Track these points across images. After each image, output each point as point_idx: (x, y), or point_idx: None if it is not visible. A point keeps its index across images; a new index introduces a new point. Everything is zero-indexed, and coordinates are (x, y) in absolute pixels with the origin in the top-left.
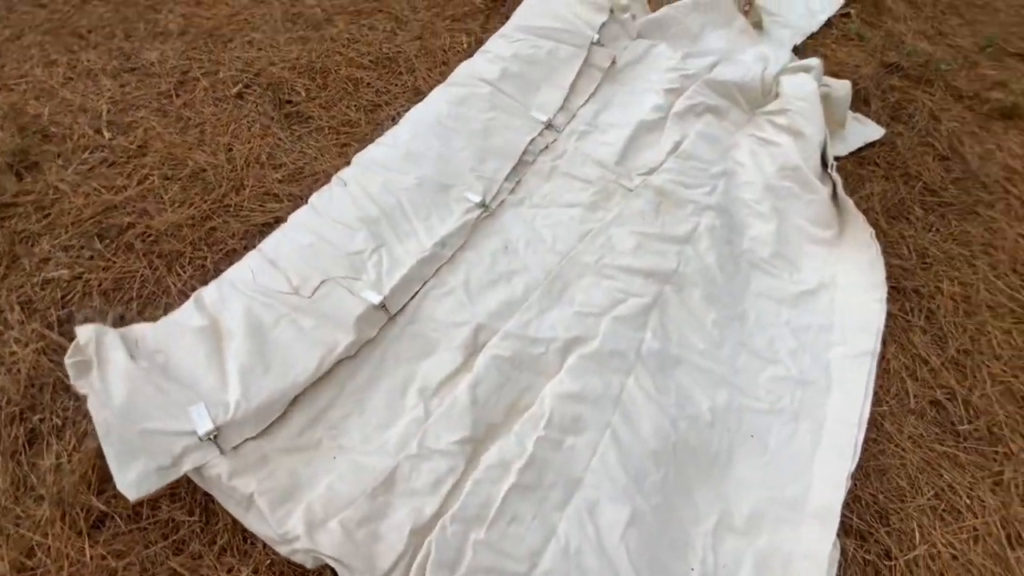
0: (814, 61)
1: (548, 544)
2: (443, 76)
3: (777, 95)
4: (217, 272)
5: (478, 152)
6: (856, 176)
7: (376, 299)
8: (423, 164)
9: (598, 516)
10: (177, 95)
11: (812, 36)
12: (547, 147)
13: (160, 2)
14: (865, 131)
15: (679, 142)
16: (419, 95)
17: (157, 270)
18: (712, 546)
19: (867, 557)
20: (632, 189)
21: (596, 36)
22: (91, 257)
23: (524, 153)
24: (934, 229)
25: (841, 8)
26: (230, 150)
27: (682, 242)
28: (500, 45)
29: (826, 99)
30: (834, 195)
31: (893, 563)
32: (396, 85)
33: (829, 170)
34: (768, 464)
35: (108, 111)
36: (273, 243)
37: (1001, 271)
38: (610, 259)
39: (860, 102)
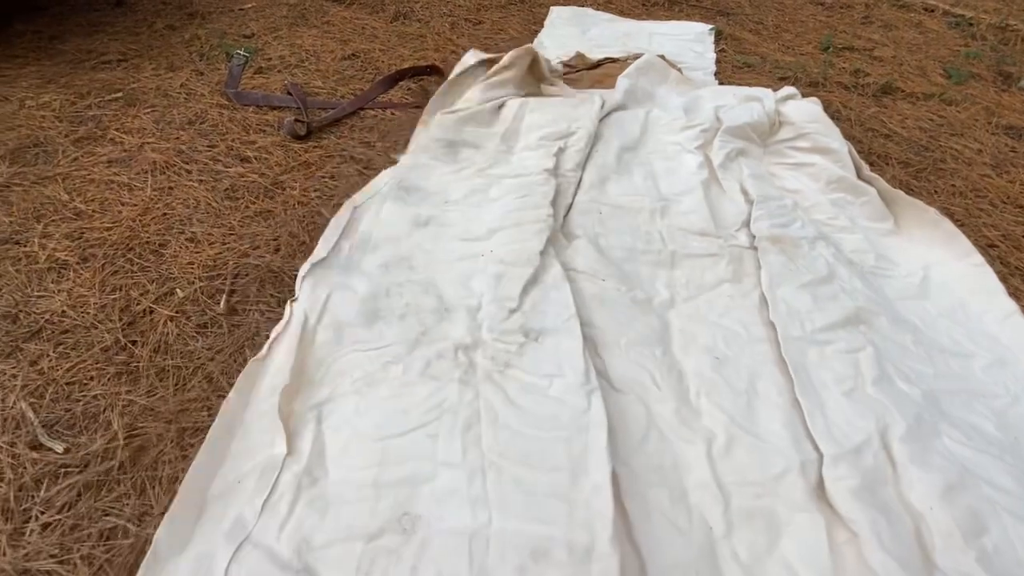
0: (791, 89)
1: None
2: None
3: (781, 125)
4: None
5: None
6: None
7: None
8: None
9: None
10: (134, 343)
11: (715, 73)
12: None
13: (21, 230)
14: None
15: (743, 189)
16: None
17: None
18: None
19: None
20: (749, 247)
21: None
22: None
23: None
24: (936, 192)
25: (716, 47)
26: None
27: (831, 280)
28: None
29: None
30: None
31: None
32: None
33: (862, 173)
34: None
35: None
36: None
37: (1001, 207)
38: (810, 324)
39: None
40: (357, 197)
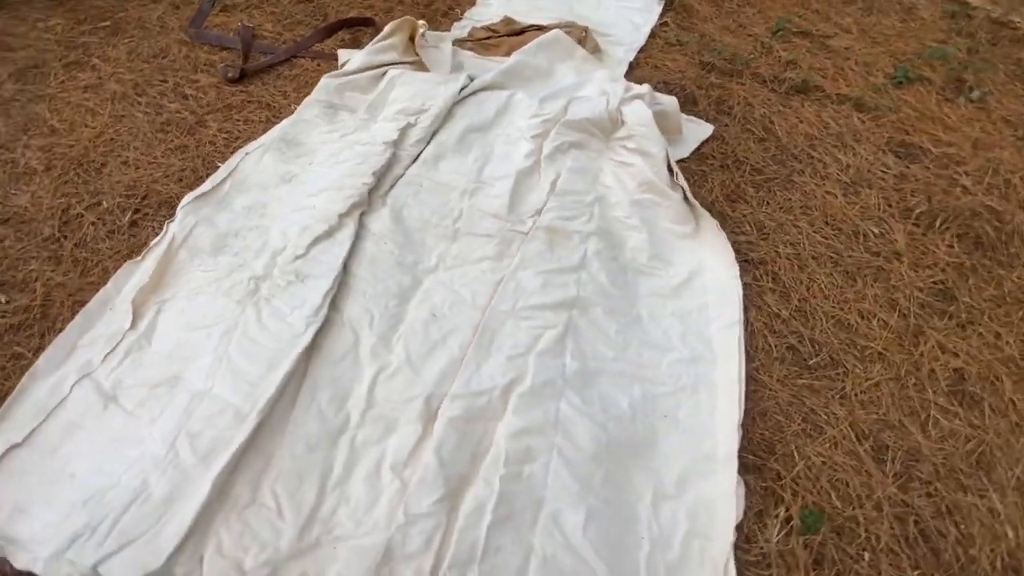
0: (643, 88)
1: (529, 560)
2: None
3: (623, 123)
4: None
5: None
6: (699, 172)
7: None
8: None
9: (563, 524)
10: (64, 237)
11: (642, 49)
12: (445, 213)
13: (11, 140)
14: (698, 131)
15: (555, 181)
16: None
17: None
18: (654, 515)
19: (764, 484)
20: (527, 233)
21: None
22: None
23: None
24: (765, 203)
25: (660, 19)
26: None
27: (577, 270)
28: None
29: (661, 115)
30: (685, 197)
31: (783, 482)
32: None
33: (675, 178)
34: (683, 434)
35: None
36: None
37: (817, 226)
38: (523, 301)
39: (690, 103)
40: (251, 144)
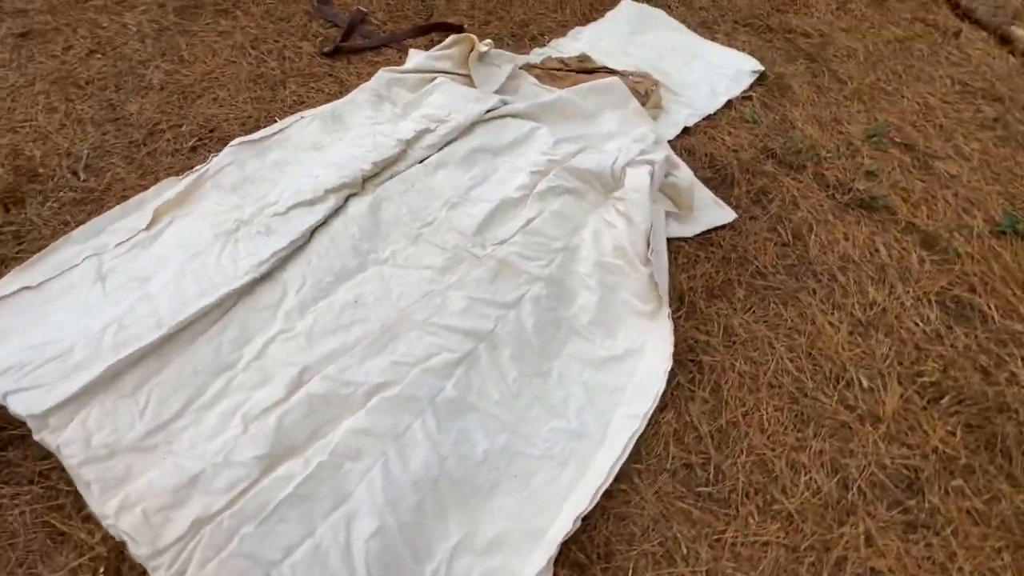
0: (659, 155)
1: (304, 541)
2: None
3: (623, 183)
4: None
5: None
6: (692, 256)
7: None
8: None
9: (352, 526)
10: (144, 145)
11: (709, 117)
12: (419, 216)
13: (150, 58)
14: (715, 215)
15: (532, 219)
16: None
17: None
18: (448, 560)
19: None
20: (480, 258)
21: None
22: None
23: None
24: (749, 311)
25: (745, 91)
26: None
27: (508, 307)
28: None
29: (674, 188)
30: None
31: None
32: None
33: (649, 254)
34: (525, 500)
35: (88, 155)
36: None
37: (796, 354)
38: (438, 318)
39: (727, 185)
40: (310, 111)
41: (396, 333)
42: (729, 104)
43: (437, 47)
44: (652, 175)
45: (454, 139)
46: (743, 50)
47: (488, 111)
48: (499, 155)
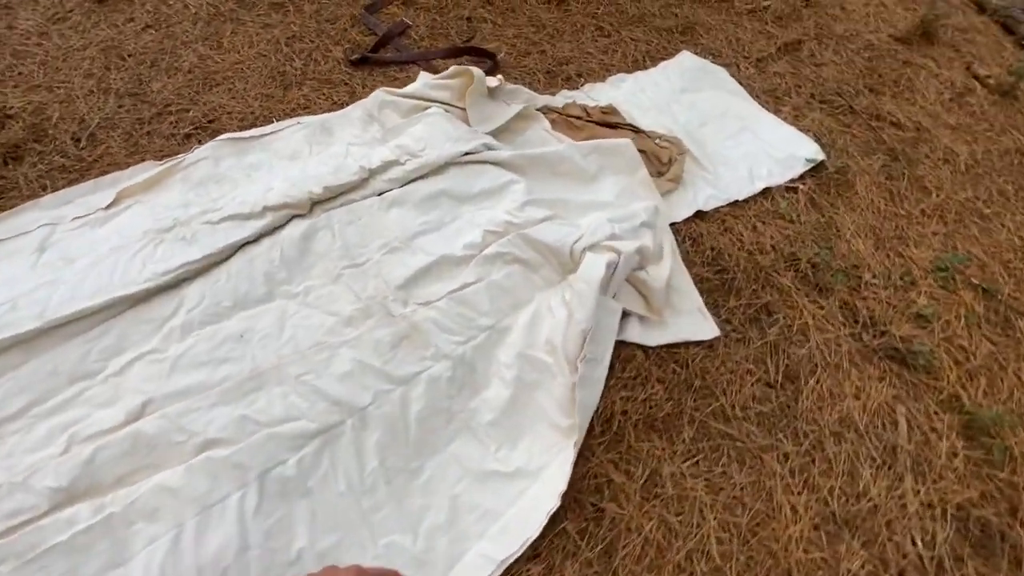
0: (631, 244)
1: None
2: None
3: (576, 269)
4: None
5: None
6: (645, 372)
7: None
8: None
9: None
10: (148, 124)
11: (736, 203)
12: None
13: (193, 40)
14: (693, 327)
15: (468, 284)
16: None
17: None
18: None
19: None
20: (393, 316)
21: None
22: None
23: None
24: (692, 460)
25: (792, 181)
26: None
27: (397, 383)
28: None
29: (643, 285)
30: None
31: None
32: None
33: (580, 361)
34: None
35: (96, 125)
36: None
37: (730, 536)
38: (313, 377)
39: (725, 293)
40: (307, 118)
41: (262, 383)
42: (767, 192)
43: (439, 75)
44: (613, 267)
45: (421, 176)
46: (807, 131)
47: (467, 153)
48: (464, 203)
